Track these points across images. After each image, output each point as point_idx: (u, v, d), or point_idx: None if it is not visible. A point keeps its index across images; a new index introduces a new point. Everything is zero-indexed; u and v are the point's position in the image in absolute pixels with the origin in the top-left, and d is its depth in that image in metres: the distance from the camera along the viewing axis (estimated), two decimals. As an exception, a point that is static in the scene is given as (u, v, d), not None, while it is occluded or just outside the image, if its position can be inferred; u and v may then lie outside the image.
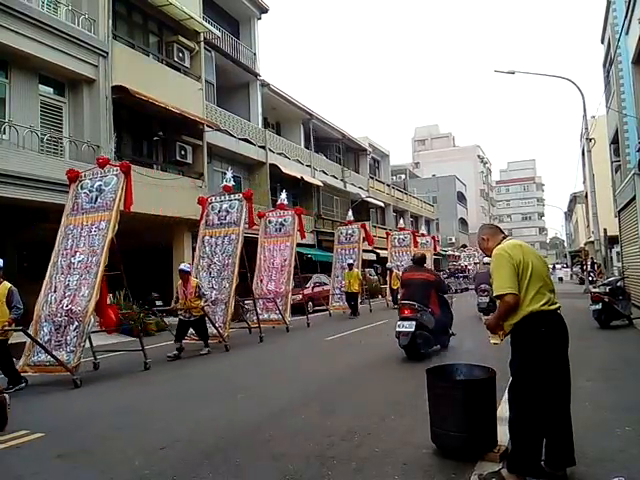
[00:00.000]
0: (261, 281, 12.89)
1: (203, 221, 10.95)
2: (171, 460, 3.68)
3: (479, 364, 3.86)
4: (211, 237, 10.68)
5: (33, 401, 5.85)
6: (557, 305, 3.04)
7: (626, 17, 12.42)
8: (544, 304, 2.96)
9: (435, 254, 37.04)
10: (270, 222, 13.70)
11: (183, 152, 16.10)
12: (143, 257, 15.83)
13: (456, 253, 47.46)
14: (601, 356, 7.20)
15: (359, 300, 16.21)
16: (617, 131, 15.69)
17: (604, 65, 18.72)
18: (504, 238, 3.24)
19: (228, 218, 10.68)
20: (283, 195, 14.30)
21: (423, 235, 26.78)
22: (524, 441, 2.96)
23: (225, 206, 10.82)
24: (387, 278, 19.38)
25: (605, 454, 3.40)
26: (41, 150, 11.91)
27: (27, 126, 11.52)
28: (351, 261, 16.29)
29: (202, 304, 8.97)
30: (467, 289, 29.01)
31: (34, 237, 14.87)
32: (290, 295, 12.71)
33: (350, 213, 19.82)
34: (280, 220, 13.58)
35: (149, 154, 16.34)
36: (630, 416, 4.18)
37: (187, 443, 4.03)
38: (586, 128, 19.72)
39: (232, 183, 11.08)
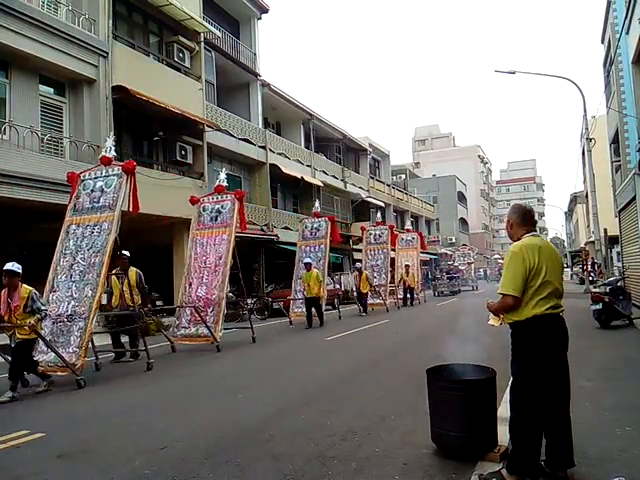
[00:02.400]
0: (190, 285, 10.25)
1: (71, 205, 8.06)
2: (171, 460, 3.67)
3: (479, 364, 3.86)
4: (78, 226, 7.79)
5: (33, 401, 5.85)
6: (561, 309, 3.06)
7: (626, 17, 12.42)
8: (549, 308, 2.98)
9: (429, 253, 36.57)
10: (205, 209, 10.82)
11: (183, 152, 16.12)
12: (143, 257, 15.81)
13: (448, 252, 45.70)
14: (601, 356, 7.20)
15: (323, 306, 13.71)
16: (617, 131, 15.69)
17: (604, 65, 18.72)
18: (528, 232, 3.11)
19: (102, 200, 7.78)
20: (222, 175, 11.09)
21: (408, 231, 24.54)
22: (525, 441, 2.96)
23: (100, 184, 7.91)
24: (356, 280, 16.78)
25: (605, 454, 3.40)
26: (41, 150, 11.92)
27: (27, 126, 11.54)
28: (308, 260, 13.95)
29: (32, 322, 6.11)
30: (460, 291, 28.92)
31: (35, 237, 14.91)
32: (224, 303, 9.86)
33: (317, 204, 16.89)
34: (217, 207, 10.69)
35: (149, 154, 16.35)
36: (630, 416, 4.18)
37: (187, 443, 4.03)
38: (586, 128, 19.72)
39: (112, 154, 8.10)
